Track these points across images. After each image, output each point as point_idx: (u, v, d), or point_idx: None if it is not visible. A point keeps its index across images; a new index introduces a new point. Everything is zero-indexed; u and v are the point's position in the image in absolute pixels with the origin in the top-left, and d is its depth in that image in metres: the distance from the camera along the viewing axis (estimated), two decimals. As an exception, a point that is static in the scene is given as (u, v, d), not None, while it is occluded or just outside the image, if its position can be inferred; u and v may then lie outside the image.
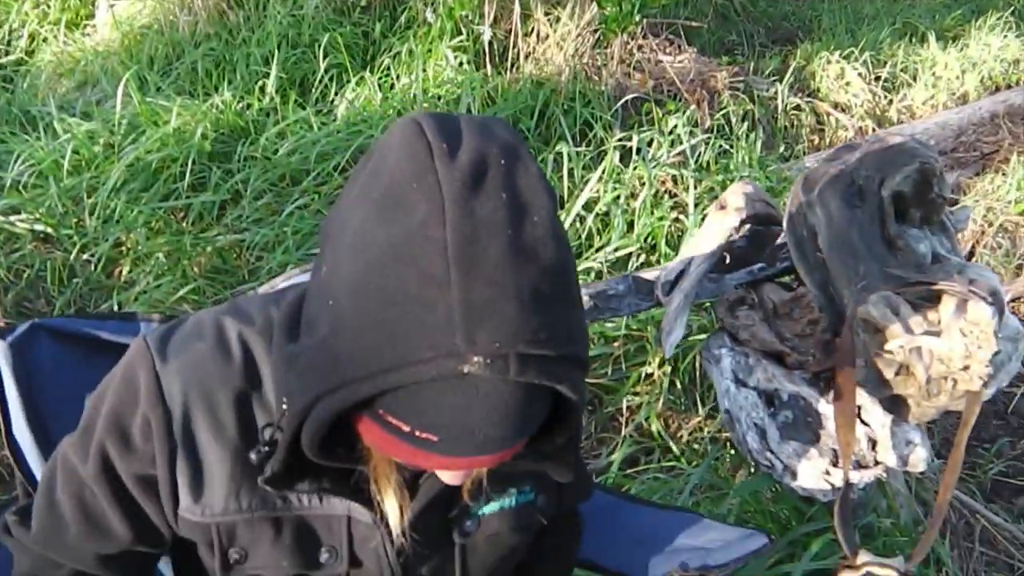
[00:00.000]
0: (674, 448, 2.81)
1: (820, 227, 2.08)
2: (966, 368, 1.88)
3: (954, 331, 1.88)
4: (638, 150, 4.03)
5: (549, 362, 0.98)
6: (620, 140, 4.09)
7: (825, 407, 2.05)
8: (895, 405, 2.05)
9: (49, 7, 5.50)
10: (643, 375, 3.03)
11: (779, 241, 2.27)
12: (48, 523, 1.29)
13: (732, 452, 2.70)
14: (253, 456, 1.20)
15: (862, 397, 1.99)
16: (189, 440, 1.21)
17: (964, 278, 1.97)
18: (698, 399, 2.99)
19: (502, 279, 0.96)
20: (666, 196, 3.85)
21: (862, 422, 2.01)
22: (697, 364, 3.01)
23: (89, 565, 1.30)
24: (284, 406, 1.14)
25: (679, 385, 3.03)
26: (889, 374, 1.95)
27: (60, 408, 1.58)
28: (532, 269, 0.98)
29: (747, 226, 2.27)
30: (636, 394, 3.00)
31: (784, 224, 2.14)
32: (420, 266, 0.96)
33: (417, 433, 1.01)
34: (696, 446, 2.83)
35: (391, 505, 1.26)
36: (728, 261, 2.27)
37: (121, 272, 3.50)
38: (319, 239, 1.11)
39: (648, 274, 2.24)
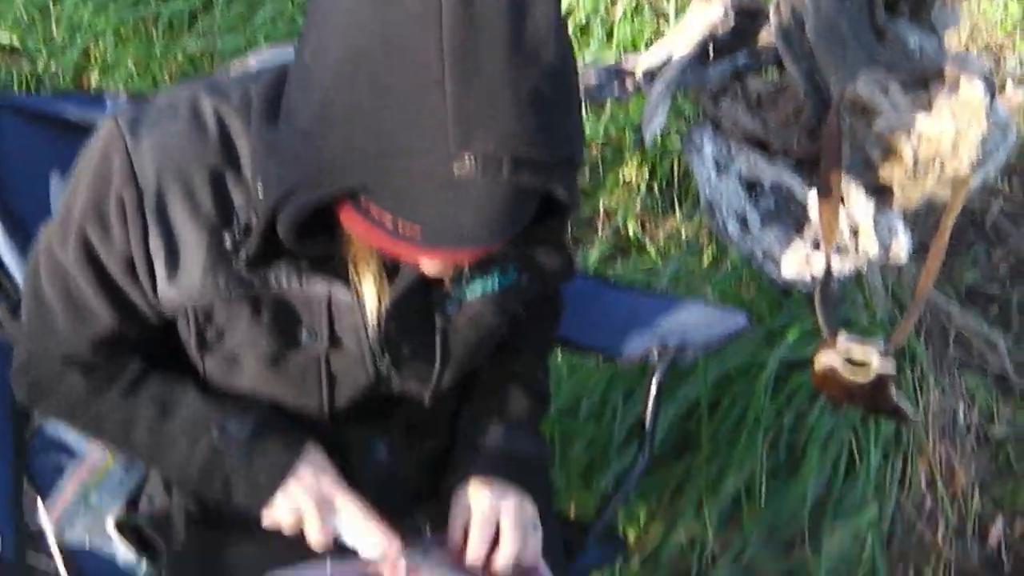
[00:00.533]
0: (650, 249, 2.80)
1: (808, 15, 2.04)
2: (954, 150, 1.86)
3: (944, 111, 1.85)
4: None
5: (544, 166, 0.96)
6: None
7: (808, 195, 2.04)
8: (879, 194, 2.03)
9: None
10: (621, 179, 3.01)
11: (763, 33, 2.21)
12: (36, 314, 1.28)
13: (711, 247, 2.69)
14: (228, 239, 1.19)
15: (846, 183, 1.97)
16: (163, 218, 1.18)
17: (955, 64, 1.94)
18: (675, 201, 2.97)
19: (500, 79, 0.92)
20: (647, 6, 3.76)
21: (845, 210, 2.00)
22: (675, 167, 2.98)
23: (82, 351, 1.29)
24: (260, 194, 1.11)
25: (656, 189, 3.01)
26: (875, 157, 1.92)
27: (26, 186, 1.55)
28: (533, 70, 0.93)
29: (732, 15, 2.22)
30: (613, 197, 2.98)
31: (771, 14, 2.09)
32: (414, 59, 0.92)
33: (400, 226, 0.99)
34: (673, 249, 2.82)
35: (370, 288, 1.25)
36: (711, 53, 2.22)
37: (90, 81, 3.43)
38: (304, 20, 1.05)
39: (629, 64, 2.19)
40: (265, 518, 1.31)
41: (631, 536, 2.25)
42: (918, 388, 2.49)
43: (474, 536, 1.37)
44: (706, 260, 2.71)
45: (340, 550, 1.34)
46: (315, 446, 1.33)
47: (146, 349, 1.36)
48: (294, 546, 1.32)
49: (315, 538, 1.29)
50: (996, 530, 2.55)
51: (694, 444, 2.25)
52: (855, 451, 2.27)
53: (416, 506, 1.53)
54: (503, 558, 1.38)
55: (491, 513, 1.38)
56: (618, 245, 2.86)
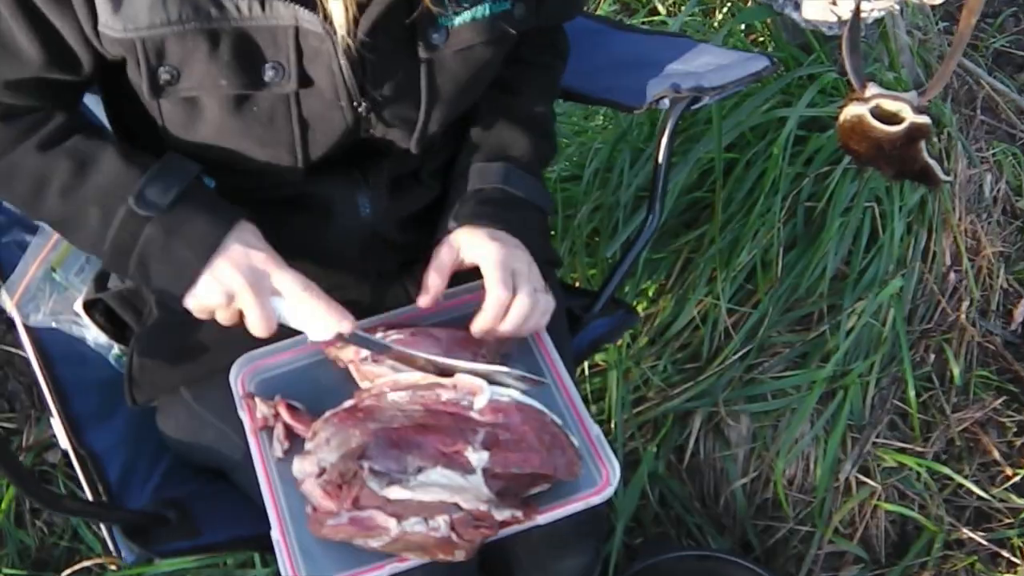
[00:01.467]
0: (660, 7, 2.61)
1: None
2: None
3: None
4: None
5: None
6: None
7: (838, -71, 1.85)
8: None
9: None
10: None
11: None
12: None
13: (725, 6, 2.51)
14: None
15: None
16: None
17: None
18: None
19: None
20: None
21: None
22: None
23: (1, 94, 1.13)
24: None
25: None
26: None
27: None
28: None
29: None
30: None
31: None
32: None
33: None
34: (684, 7, 2.63)
35: (339, 10, 1.09)
36: None
37: None
38: None
39: None
40: (191, 303, 1.15)
41: (640, 311, 2.14)
42: (944, 156, 2.34)
43: (493, 290, 1.26)
44: (718, 19, 2.53)
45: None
46: (247, 219, 1.17)
47: (75, 106, 1.22)
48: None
49: (254, 324, 1.15)
50: (1021, 309, 2.46)
51: (706, 213, 2.12)
52: (878, 221, 2.14)
53: (407, 270, 1.42)
54: (512, 320, 1.28)
55: (505, 261, 1.27)
56: (624, 2, 2.67)
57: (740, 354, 2.06)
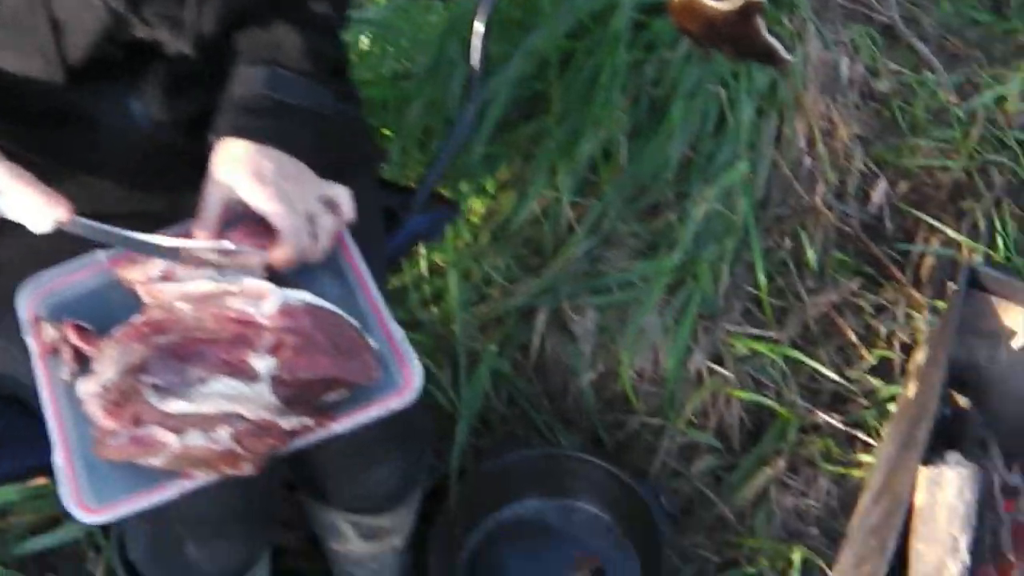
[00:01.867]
0: None
1: None
2: None
3: None
4: None
5: None
6: None
7: None
8: None
9: None
10: None
11: None
12: None
13: None
14: None
15: None
16: None
17: None
18: None
19: None
20: None
21: None
22: None
23: None
24: None
25: None
26: None
27: None
28: None
29: None
30: None
31: None
32: None
33: None
34: None
35: None
36: None
37: None
38: None
39: None
40: None
41: (479, 208, 2.10)
42: (797, 38, 2.31)
43: (206, 207, 1.20)
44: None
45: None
46: None
47: None
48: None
49: None
50: (879, 191, 2.45)
51: (544, 105, 2.07)
52: (725, 106, 2.10)
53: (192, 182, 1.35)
54: (285, 254, 1.22)
55: (273, 188, 1.20)
56: None
57: (584, 247, 2.02)
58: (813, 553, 1.96)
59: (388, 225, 1.58)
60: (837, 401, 2.16)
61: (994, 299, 1.97)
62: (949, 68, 2.59)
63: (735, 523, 2.03)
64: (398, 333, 1.23)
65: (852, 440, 2.11)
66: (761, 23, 1.43)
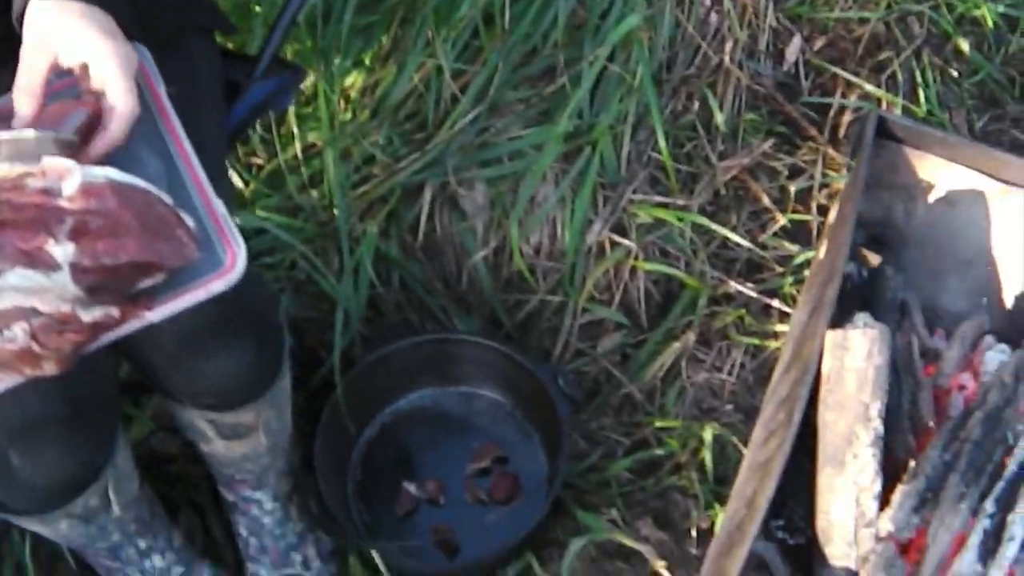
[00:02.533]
0: None
1: None
2: None
3: None
4: None
5: None
6: None
7: None
8: None
9: None
10: None
11: None
12: None
13: None
14: None
15: None
16: None
17: None
18: None
19: None
20: None
21: None
22: None
23: None
24: None
25: None
26: None
27: None
28: None
29: None
30: None
31: None
32: None
33: None
34: None
35: None
36: None
37: None
38: None
39: None
40: None
41: (356, 83, 1.98)
42: None
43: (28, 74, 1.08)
44: None
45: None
46: None
47: None
48: None
49: None
50: (793, 47, 2.35)
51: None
52: (618, -41, 1.98)
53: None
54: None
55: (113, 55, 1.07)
56: None
57: (470, 118, 1.91)
58: (727, 430, 1.88)
59: (232, 96, 1.47)
60: (751, 269, 2.07)
61: (907, 150, 1.89)
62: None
63: (644, 403, 1.95)
64: (220, 208, 1.12)
65: (767, 309, 2.02)
66: None
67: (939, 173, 1.90)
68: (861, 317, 1.66)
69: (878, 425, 1.57)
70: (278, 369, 1.46)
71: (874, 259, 1.86)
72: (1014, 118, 2.37)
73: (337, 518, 1.73)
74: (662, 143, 1.99)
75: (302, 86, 1.90)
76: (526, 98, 1.98)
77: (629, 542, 1.76)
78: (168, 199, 1.09)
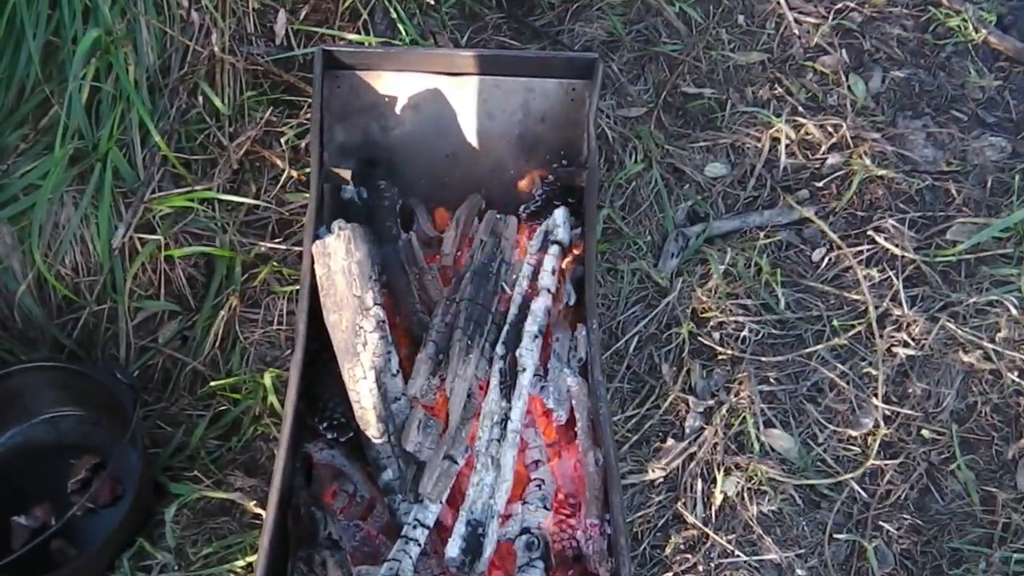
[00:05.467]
0: None
1: None
2: None
3: None
4: None
5: None
6: None
7: None
8: None
9: None
10: None
11: None
12: None
13: None
14: None
15: None
16: None
17: None
18: None
19: None
20: None
21: None
22: None
23: None
24: None
25: None
26: None
27: None
28: None
29: None
30: None
31: None
32: None
33: None
34: None
35: None
36: None
37: None
38: None
39: None
40: None
41: None
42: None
43: None
44: None
45: None
46: None
47: None
48: None
49: None
50: (280, 23, 2.67)
51: None
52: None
53: None
54: None
55: None
56: None
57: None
58: (285, 371, 2.19)
59: None
60: (282, 227, 2.41)
61: (360, 73, 2.24)
62: None
63: (210, 374, 2.25)
64: None
65: (301, 257, 2.34)
66: None
67: (396, 84, 2.27)
68: (336, 223, 2.00)
69: (377, 311, 1.92)
70: None
71: (345, 174, 2.21)
72: (495, 26, 2.79)
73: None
74: (159, 142, 2.28)
75: None
76: (25, 134, 2.22)
77: (219, 495, 2.05)
78: None
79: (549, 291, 2.10)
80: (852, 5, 2.88)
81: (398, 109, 2.27)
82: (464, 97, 2.27)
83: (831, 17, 2.85)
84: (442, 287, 2.13)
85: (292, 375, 1.89)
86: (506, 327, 2.04)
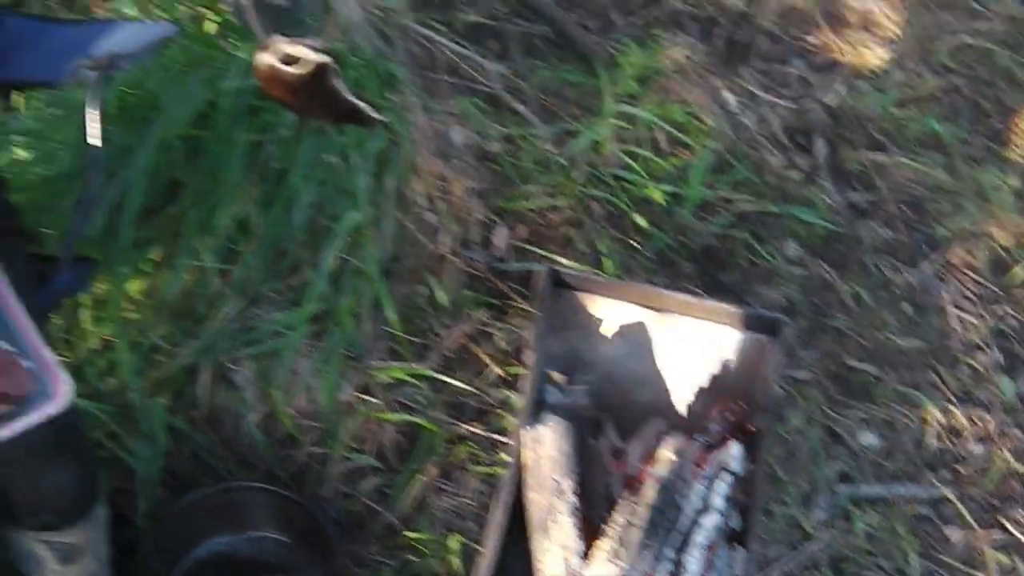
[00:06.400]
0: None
1: None
2: None
3: None
4: None
5: None
6: None
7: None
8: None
9: None
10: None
11: None
12: None
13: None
14: None
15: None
16: None
17: None
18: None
19: None
20: None
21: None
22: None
23: None
24: None
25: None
26: None
27: None
28: None
29: None
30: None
31: None
32: None
33: None
34: None
35: None
36: None
37: None
38: None
39: None
40: None
41: (139, 287, 2.58)
42: (405, 111, 2.91)
43: None
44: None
45: None
46: None
47: None
48: None
49: None
50: (500, 235, 3.06)
51: (180, 188, 2.58)
52: (343, 174, 2.67)
53: None
54: None
55: None
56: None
57: (235, 308, 2.53)
58: (470, 541, 2.49)
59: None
60: (480, 414, 2.73)
61: (579, 295, 2.60)
62: (548, 123, 3.27)
63: (401, 528, 2.54)
64: (49, 355, 1.60)
65: (495, 444, 2.67)
66: (339, 84, 1.81)
67: (607, 309, 2.62)
68: (548, 419, 2.33)
69: (571, 497, 2.23)
70: (98, 487, 1.98)
71: (558, 377, 2.54)
72: (687, 275, 3.15)
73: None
74: (392, 317, 2.65)
75: (93, 291, 2.47)
76: (278, 289, 2.60)
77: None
78: (8, 346, 1.63)
79: (720, 513, 2.38)
80: (1011, 312, 3.19)
81: (605, 331, 2.60)
82: (663, 331, 2.60)
83: (990, 318, 3.16)
84: (622, 491, 2.42)
85: (490, 537, 2.18)
86: (677, 535, 2.32)
